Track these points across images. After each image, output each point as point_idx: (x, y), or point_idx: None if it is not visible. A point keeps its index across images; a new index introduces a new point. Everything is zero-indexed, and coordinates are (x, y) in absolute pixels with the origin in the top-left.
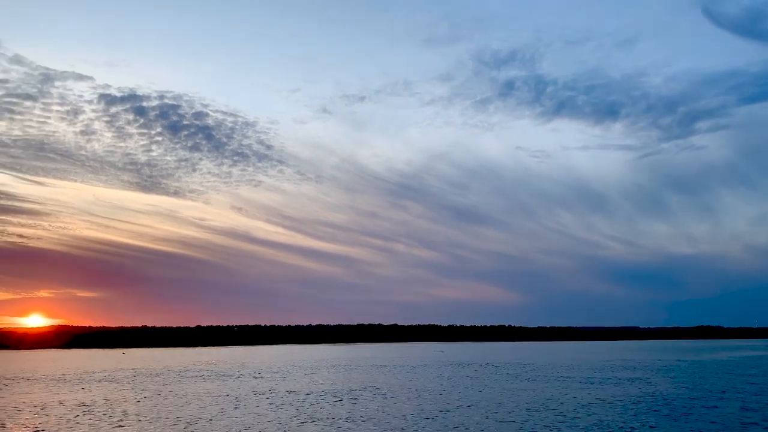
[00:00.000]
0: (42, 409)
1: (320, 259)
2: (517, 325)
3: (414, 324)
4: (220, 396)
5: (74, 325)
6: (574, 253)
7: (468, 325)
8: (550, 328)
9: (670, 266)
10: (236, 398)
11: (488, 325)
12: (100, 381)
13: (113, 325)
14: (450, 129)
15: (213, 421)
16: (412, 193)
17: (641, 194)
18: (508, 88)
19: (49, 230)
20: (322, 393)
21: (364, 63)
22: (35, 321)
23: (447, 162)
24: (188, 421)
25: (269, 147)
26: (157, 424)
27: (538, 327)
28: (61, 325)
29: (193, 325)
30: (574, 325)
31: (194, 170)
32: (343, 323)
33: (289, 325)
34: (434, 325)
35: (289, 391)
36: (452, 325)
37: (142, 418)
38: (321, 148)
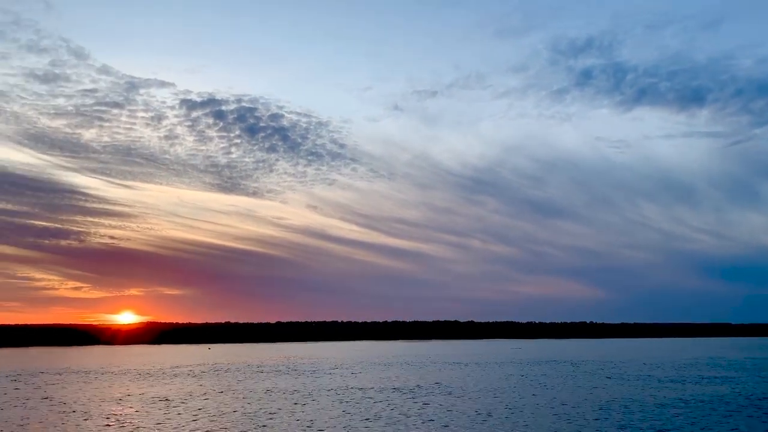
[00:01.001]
0: (123, 400)
1: (394, 255)
2: (599, 321)
3: (491, 321)
4: (290, 392)
5: (162, 321)
6: (659, 246)
7: (547, 321)
8: (634, 324)
9: (764, 258)
10: (305, 394)
11: (568, 321)
12: (181, 375)
13: (198, 321)
14: (525, 121)
15: (277, 415)
16: (487, 187)
17: (731, 183)
18: (585, 77)
19: (138, 231)
20: (392, 389)
21: (436, 58)
22: (127, 318)
23: (522, 155)
24: (254, 415)
25: (342, 146)
26: (225, 418)
27: (621, 323)
28: (150, 322)
29: (273, 321)
30: (660, 321)
31: (271, 171)
32: (419, 320)
33: (365, 322)
34: (512, 321)
35: (359, 388)
36: (531, 322)
37: (212, 412)
38: (393, 145)
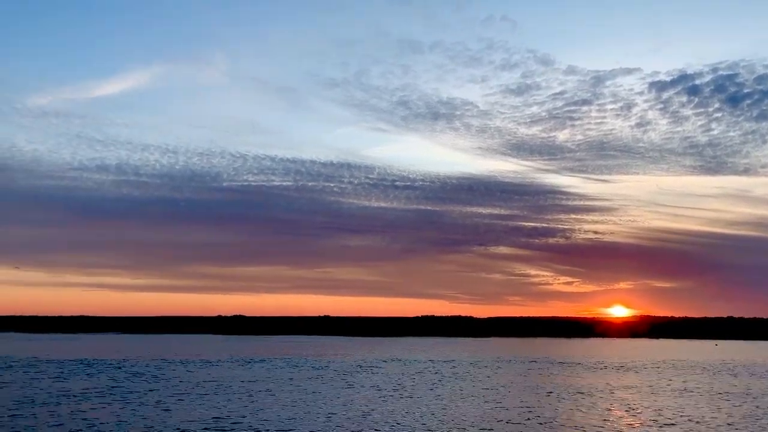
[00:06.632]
0: (565, 390)
1: None
2: None
3: None
4: (731, 394)
5: (654, 314)
6: None
7: None
8: None
9: None
10: (714, 395)
11: None
12: (651, 370)
13: (695, 315)
14: None
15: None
16: None
17: None
18: None
19: (620, 224)
20: None
21: None
22: (618, 311)
23: None
24: (677, 413)
25: None
26: (627, 419)
27: None
28: (643, 315)
29: None
30: None
31: (765, 142)
32: None
33: None
34: None
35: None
36: None
37: (635, 407)
38: None
